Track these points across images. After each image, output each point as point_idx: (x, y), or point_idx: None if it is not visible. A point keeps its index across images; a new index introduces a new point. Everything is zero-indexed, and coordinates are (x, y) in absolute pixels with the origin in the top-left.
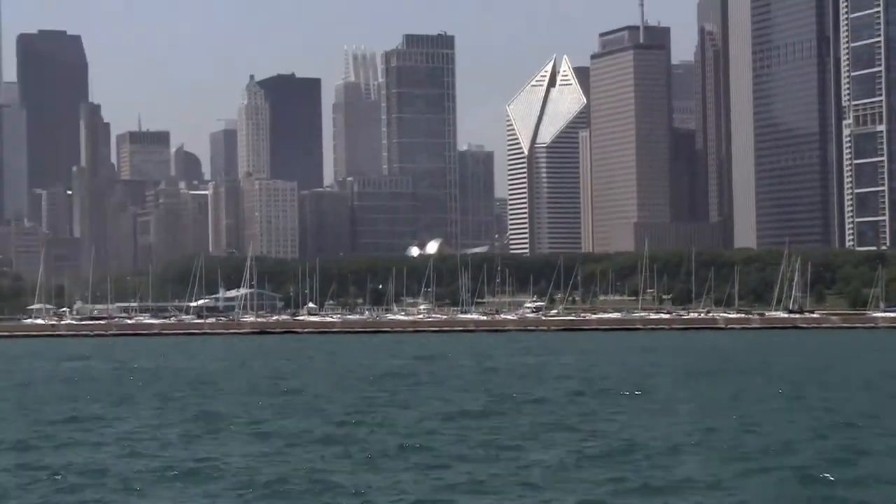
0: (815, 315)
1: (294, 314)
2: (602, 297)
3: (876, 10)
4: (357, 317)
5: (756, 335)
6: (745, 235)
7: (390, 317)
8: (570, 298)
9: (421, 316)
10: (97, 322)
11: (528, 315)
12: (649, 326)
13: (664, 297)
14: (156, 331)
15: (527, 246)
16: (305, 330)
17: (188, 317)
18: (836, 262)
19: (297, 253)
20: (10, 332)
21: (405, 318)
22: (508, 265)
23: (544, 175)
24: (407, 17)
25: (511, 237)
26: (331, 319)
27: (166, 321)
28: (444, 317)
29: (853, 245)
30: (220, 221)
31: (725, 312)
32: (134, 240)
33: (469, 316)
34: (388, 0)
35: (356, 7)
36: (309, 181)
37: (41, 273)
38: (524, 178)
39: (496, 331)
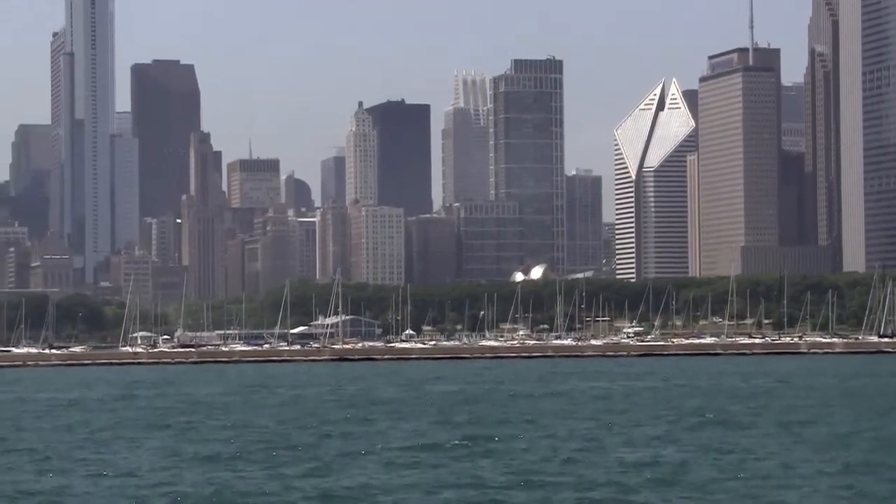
0: None
1: (388, 341)
2: (702, 322)
3: None
4: (451, 343)
5: (836, 360)
6: (854, 259)
7: (482, 343)
8: (670, 324)
9: (515, 342)
10: (184, 350)
11: (614, 341)
12: (730, 352)
13: (764, 321)
14: (236, 358)
15: (633, 271)
16: (385, 357)
17: (282, 344)
18: None
19: (402, 280)
20: (92, 360)
21: (496, 343)
22: (608, 290)
23: (652, 199)
24: (516, 41)
25: (618, 262)
26: (417, 346)
27: (256, 348)
28: (535, 342)
29: None
30: (327, 248)
31: (822, 338)
32: (242, 267)
33: (561, 342)
34: (498, 25)
35: (466, 32)
36: (417, 207)
37: (134, 300)
38: (631, 202)
39: (576, 356)
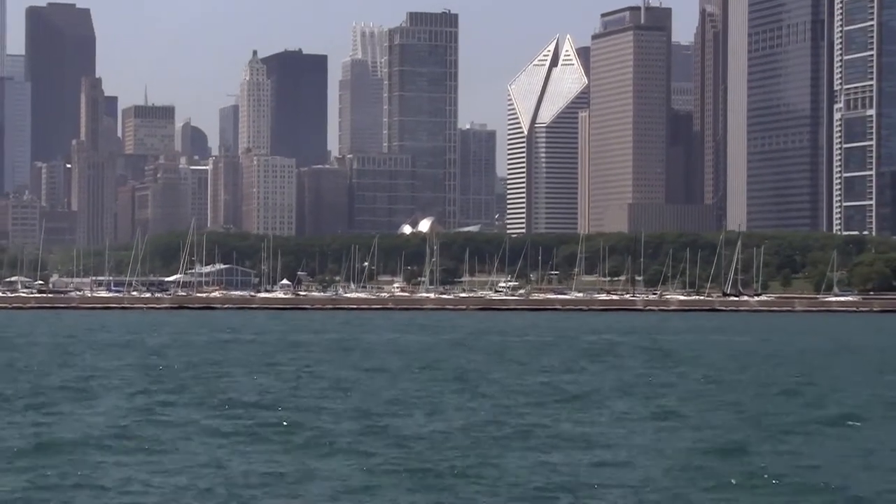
0: (744, 298)
1: (257, 291)
2: (585, 278)
3: None
4: (320, 294)
5: (664, 317)
6: (737, 218)
7: (347, 295)
8: (548, 279)
9: (385, 294)
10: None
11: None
12: (568, 307)
13: (637, 278)
14: (74, 304)
15: (524, 225)
16: (225, 306)
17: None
18: (809, 246)
19: (293, 230)
20: None
21: (353, 296)
22: (489, 245)
23: (543, 155)
24: None
25: (508, 217)
26: (272, 295)
27: (117, 295)
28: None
29: (840, 229)
30: (218, 197)
31: (687, 295)
32: (132, 214)
33: (426, 295)
34: None
35: None
36: (313, 158)
37: (18, 245)
38: (523, 157)
39: (412, 309)
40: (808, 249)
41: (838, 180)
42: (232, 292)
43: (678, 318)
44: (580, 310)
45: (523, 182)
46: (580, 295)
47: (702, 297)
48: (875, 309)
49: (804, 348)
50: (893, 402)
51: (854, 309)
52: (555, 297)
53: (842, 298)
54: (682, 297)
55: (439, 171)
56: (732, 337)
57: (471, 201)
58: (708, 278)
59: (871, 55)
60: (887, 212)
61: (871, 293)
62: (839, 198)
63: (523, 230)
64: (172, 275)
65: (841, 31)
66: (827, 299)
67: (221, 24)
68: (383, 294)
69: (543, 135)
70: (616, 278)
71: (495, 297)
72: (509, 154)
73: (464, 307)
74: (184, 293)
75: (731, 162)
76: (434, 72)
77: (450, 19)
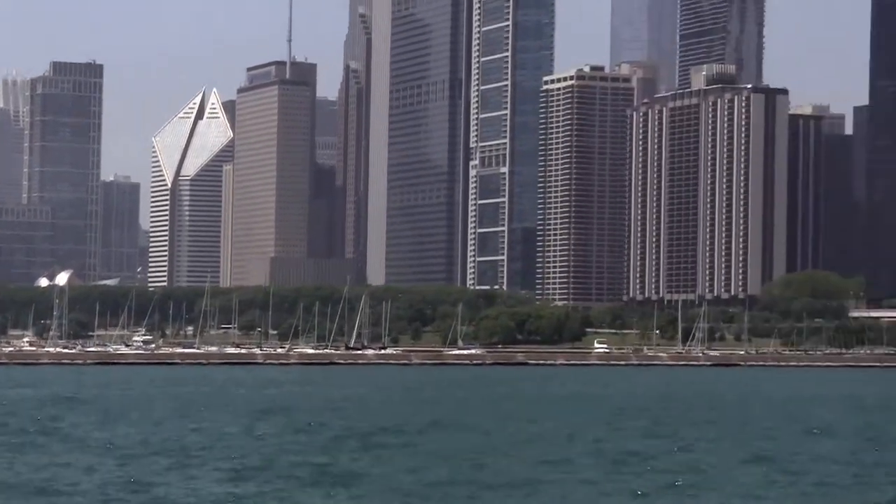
0: (367, 352)
1: None
2: (214, 332)
3: (505, 55)
4: None
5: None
6: (376, 272)
7: None
8: (182, 332)
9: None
10: None
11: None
12: (188, 361)
13: (271, 332)
14: None
15: (165, 278)
16: None
17: None
18: (442, 300)
19: None
20: None
21: None
22: (125, 297)
23: (187, 208)
24: (57, 43)
25: (151, 269)
26: None
27: None
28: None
29: (473, 283)
30: None
31: (316, 348)
32: None
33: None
34: (39, 25)
35: (7, 31)
36: None
37: None
38: (167, 210)
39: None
40: (441, 303)
41: (473, 235)
42: None
43: (297, 372)
44: (201, 363)
45: (166, 235)
46: (213, 349)
47: (325, 351)
48: (487, 362)
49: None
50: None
51: (470, 362)
52: (182, 350)
53: (465, 352)
54: (309, 351)
55: (80, 222)
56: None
57: (112, 254)
58: (340, 332)
59: (506, 114)
60: (518, 267)
61: (499, 346)
62: (473, 253)
63: (165, 283)
64: None
65: (477, 91)
66: (451, 352)
67: None
68: (7, 349)
69: (187, 187)
70: (250, 332)
71: (115, 350)
72: (152, 207)
73: (81, 361)
74: None
75: (371, 216)
76: (77, 122)
77: (95, 70)
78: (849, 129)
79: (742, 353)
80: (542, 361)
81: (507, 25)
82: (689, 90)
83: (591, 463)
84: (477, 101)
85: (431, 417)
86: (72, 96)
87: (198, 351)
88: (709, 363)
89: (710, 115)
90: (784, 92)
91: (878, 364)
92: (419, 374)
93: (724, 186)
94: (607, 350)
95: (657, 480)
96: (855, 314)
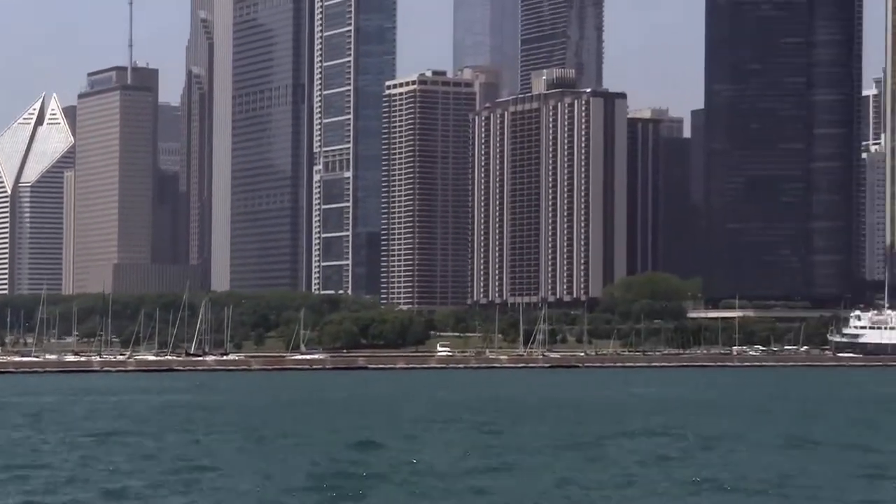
0: (208, 358)
1: None
2: (54, 341)
3: (347, 59)
4: None
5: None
6: (221, 278)
7: None
8: (22, 341)
9: None
10: None
11: None
12: (22, 370)
13: (113, 339)
14: None
15: (6, 286)
16: None
17: None
18: (286, 305)
19: None
20: None
21: None
22: None
23: (27, 215)
24: None
25: None
26: None
27: None
28: None
29: (318, 288)
30: None
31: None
32: None
33: None
34: None
35: None
36: None
37: None
38: (6, 217)
39: None
40: (285, 308)
41: (317, 240)
42: None
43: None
44: (36, 372)
45: (6, 242)
46: (52, 357)
47: (165, 358)
48: (328, 367)
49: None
50: None
51: (310, 367)
52: (18, 359)
53: (307, 357)
54: (150, 358)
55: None
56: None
57: None
58: (182, 338)
59: (349, 119)
60: (362, 271)
61: (344, 351)
62: (318, 258)
63: (6, 292)
64: None
65: (321, 96)
66: (292, 358)
67: None
68: None
69: (28, 194)
70: (91, 339)
71: None
72: None
73: None
74: None
75: (215, 222)
76: None
77: None
78: (687, 133)
79: (581, 354)
80: (382, 366)
81: (350, 30)
82: (529, 95)
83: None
84: (320, 106)
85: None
86: None
87: (35, 359)
88: (548, 365)
89: (550, 120)
90: (622, 96)
91: (711, 364)
92: (257, 379)
93: (566, 190)
94: (450, 353)
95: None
96: (693, 315)
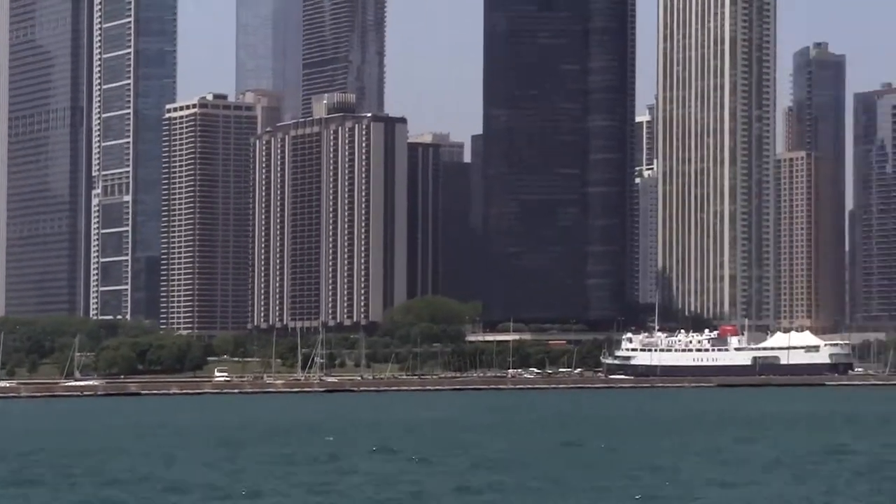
0: None
1: None
2: None
3: (127, 82)
4: None
5: None
6: None
7: None
8: None
9: None
10: None
11: None
12: None
13: None
14: None
15: None
16: None
17: None
18: (63, 331)
19: None
20: None
21: None
22: None
23: None
24: None
25: None
26: None
27: None
28: None
29: (97, 314)
30: None
31: None
32: None
33: None
34: None
35: None
36: None
37: None
38: None
39: None
40: (61, 334)
41: (95, 265)
42: None
43: None
44: None
45: None
46: None
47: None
48: (100, 393)
49: None
50: None
51: (81, 394)
52: None
53: (80, 383)
54: None
55: None
56: None
57: None
58: None
59: (128, 142)
60: (142, 296)
61: (121, 377)
62: (96, 282)
63: None
64: None
65: (99, 119)
66: (65, 384)
67: None
68: None
69: None
70: None
71: None
72: None
73: None
74: None
75: None
76: None
77: None
78: (468, 157)
79: (359, 378)
80: (156, 392)
81: (129, 53)
82: (311, 119)
83: None
84: (99, 130)
85: None
86: None
87: None
88: (323, 389)
89: (331, 144)
90: (403, 121)
91: (485, 387)
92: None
93: (346, 214)
94: (227, 378)
95: None
96: (471, 338)
